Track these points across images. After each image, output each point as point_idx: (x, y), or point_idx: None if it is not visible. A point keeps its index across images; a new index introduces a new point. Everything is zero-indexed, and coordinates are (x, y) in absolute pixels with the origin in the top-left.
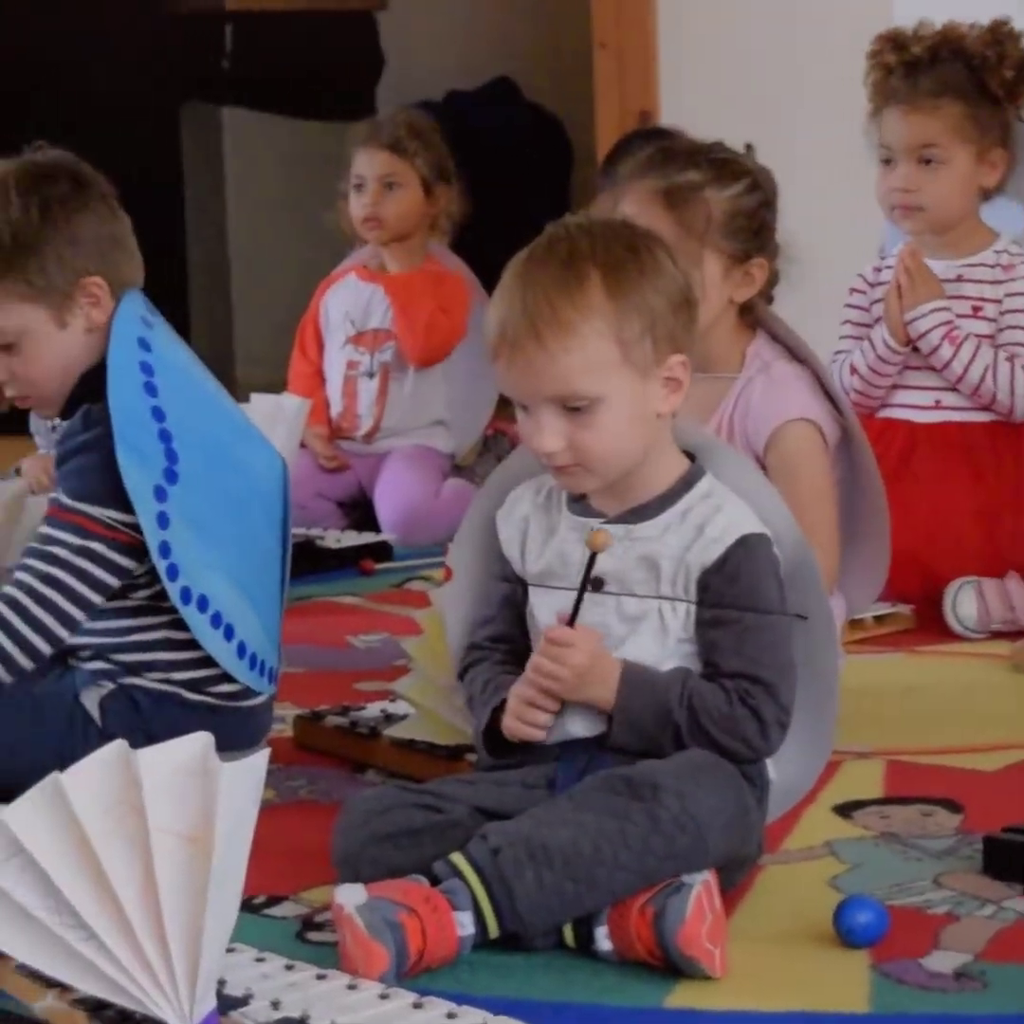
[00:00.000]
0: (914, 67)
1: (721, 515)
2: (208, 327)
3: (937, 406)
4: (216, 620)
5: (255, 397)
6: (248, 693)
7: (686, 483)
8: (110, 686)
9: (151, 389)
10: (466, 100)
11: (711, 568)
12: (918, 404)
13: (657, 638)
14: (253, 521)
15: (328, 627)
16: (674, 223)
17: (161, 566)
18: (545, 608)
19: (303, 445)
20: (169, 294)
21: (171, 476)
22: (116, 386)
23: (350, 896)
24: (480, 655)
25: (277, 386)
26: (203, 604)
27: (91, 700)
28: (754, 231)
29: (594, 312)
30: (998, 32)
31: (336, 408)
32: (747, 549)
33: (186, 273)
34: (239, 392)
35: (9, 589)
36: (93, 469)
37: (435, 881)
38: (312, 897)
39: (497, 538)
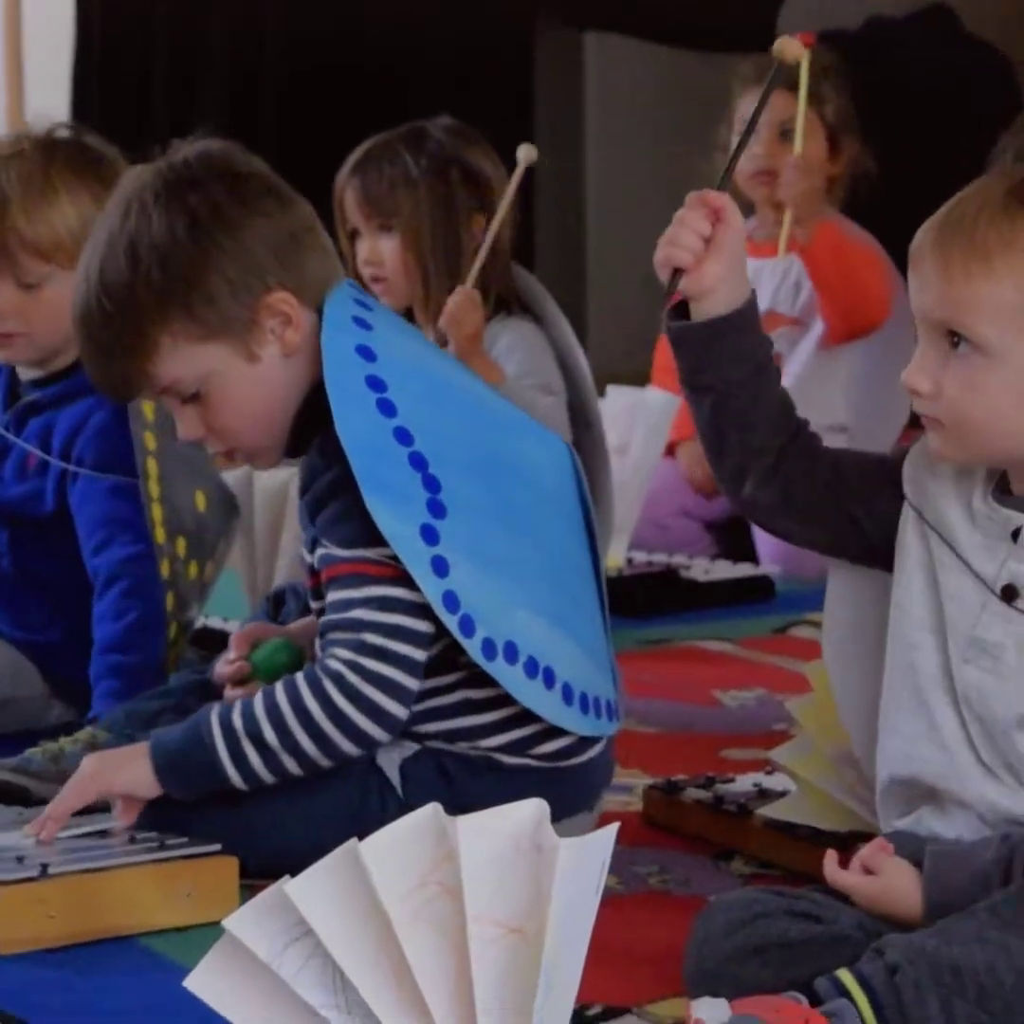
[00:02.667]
0: None
1: None
2: (556, 296)
3: None
4: (531, 668)
5: (611, 389)
6: (581, 745)
7: None
8: (414, 748)
9: (387, 407)
10: (890, 30)
11: None
12: None
13: None
14: (547, 529)
15: (691, 678)
16: None
17: (452, 622)
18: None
19: (670, 452)
20: (513, 252)
21: (437, 509)
22: (344, 416)
23: (712, 1013)
24: None
25: (642, 378)
26: (511, 653)
27: (390, 764)
28: None
29: (1019, 253)
30: None
31: None
32: None
33: (532, 224)
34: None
35: (328, 665)
36: (354, 510)
37: (815, 1000)
38: (660, 1011)
39: None
